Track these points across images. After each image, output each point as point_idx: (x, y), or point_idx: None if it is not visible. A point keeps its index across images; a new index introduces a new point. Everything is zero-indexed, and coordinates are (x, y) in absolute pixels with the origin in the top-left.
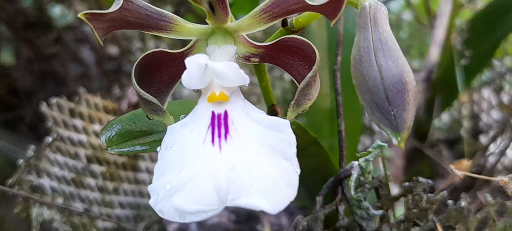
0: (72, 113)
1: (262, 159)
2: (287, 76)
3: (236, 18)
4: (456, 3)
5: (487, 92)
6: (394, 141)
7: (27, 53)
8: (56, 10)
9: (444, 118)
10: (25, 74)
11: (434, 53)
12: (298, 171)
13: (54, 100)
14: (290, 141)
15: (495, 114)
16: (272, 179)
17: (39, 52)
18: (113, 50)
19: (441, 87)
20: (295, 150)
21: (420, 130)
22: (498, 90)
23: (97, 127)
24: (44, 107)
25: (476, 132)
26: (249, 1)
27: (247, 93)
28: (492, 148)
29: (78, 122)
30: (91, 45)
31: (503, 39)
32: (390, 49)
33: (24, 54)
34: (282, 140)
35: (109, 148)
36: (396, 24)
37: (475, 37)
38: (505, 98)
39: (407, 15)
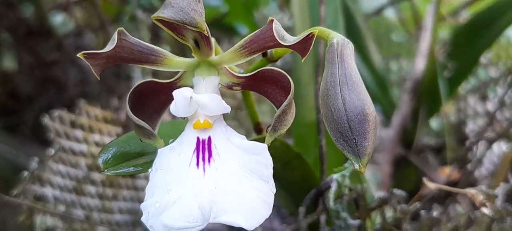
0: (73, 124)
1: (241, 180)
2: None
3: (233, 26)
4: (438, 17)
5: (473, 100)
6: (356, 166)
7: (29, 59)
8: (57, 19)
9: (433, 125)
10: (27, 80)
11: (420, 65)
12: (274, 190)
13: (56, 113)
14: (267, 163)
15: (481, 122)
16: (249, 199)
17: (40, 58)
18: None
19: (425, 97)
20: (271, 171)
21: (407, 138)
22: (484, 98)
23: (97, 137)
24: (46, 120)
25: (462, 139)
26: (244, 11)
27: (240, 102)
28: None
29: (78, 133)
30: None
31: (485, 51)
32: (354, 83)
33: (25, 61)
34: (259, 163)
35: (105, 170)
36: (386, 32)
37: (457, 50)
38: (489, 106)
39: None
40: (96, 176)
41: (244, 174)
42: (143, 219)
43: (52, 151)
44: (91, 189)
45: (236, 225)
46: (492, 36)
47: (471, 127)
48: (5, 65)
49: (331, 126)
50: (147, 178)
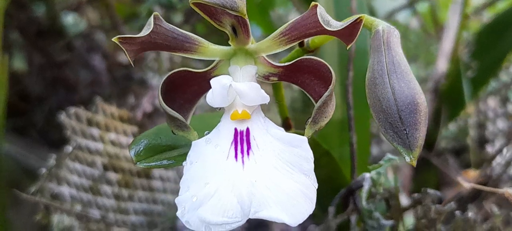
0: (90, 122)
1: (281, 174)
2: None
3: None
4: (463, 16)
5: (493, 102)
6: (407, 159)
7: (39, 60)
8: (69, 19)
9: (451, 128)
10: (37, 80)
11: (442, 65)
12: (316, 185)
13: (72, 110)
14: (307, 156)
15: (501, 124)
16: (291, 193)
17: (50, 59)
18: (123, 57)
19: (448, 98)
20: (312, 165)
21: (427, 140)
22: (504, 100)
23: (113, 136)
24: (63, 117)
25: (482, 141)
26: (258, 11)
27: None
28: (498, 157)
29: (95, 131)
30: (102, 53)
31: (509, 51)
32: (403, 71)
33: (36, 61)
34: (300, 156)
35: (138, 162)
36: (403, 35)
37: (481, 49)
38: (510, 108)
39: (414, 23)
40: (112, 175)
41: (285, 167)
42: (178, 213)
43: (69, 149)
44: (107, 189)
45: (278, 221)
46: None
47: (491, 129)
48: (15, 65)
49: (380, 117)
50: (162, 179)
